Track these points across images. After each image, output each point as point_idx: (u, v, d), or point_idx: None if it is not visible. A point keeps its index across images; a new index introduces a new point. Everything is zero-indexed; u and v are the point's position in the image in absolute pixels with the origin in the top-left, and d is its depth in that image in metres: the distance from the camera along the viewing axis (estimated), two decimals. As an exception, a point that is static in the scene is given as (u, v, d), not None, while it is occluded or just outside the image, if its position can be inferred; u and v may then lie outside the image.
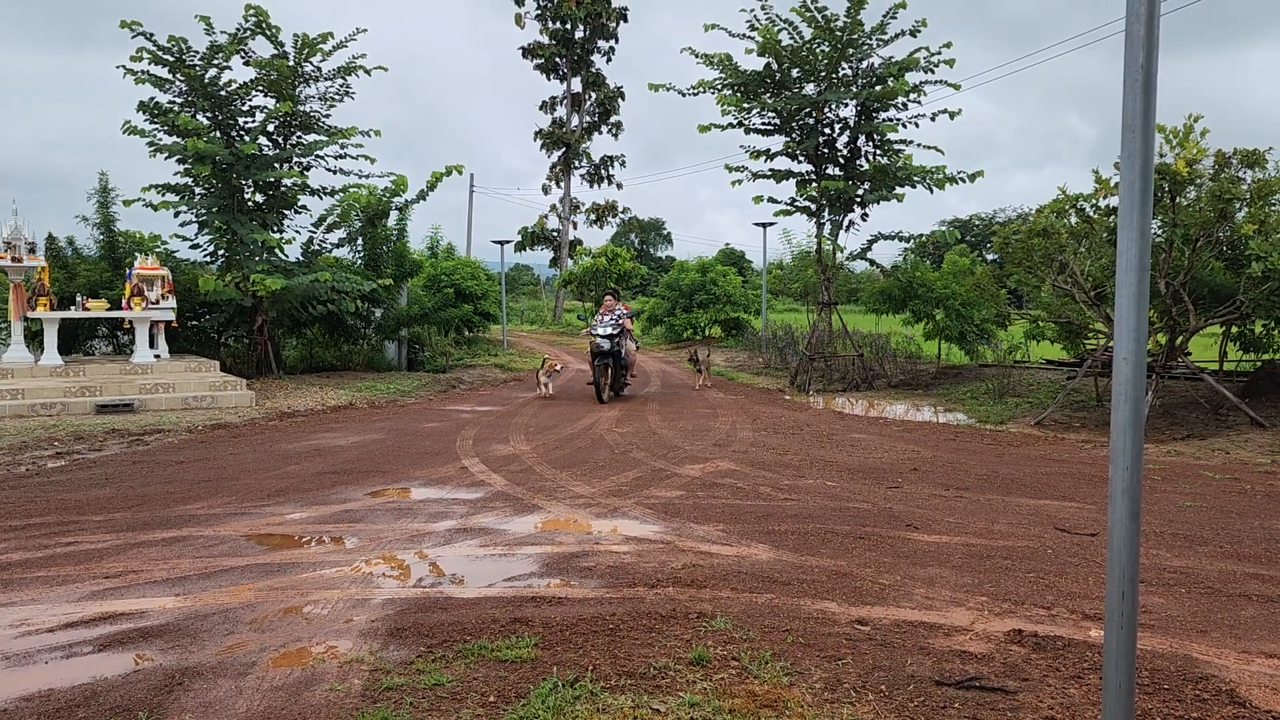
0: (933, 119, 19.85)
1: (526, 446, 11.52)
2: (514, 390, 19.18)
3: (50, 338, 15.60)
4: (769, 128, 20.45)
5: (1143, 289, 2.69)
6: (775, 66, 19.52)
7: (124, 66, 17.35)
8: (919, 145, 20.07)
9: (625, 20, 45.76)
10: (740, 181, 20.85)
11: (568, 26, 45.21)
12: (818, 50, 19.10)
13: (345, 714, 3.82)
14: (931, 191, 20.02)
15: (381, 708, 3.86)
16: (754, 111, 20.10)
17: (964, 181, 19.70)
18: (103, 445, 11.72)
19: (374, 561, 6.27)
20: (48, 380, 14.73)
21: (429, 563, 6.26)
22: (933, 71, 19.26)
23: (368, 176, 20.72)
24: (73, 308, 16.38)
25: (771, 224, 29.40)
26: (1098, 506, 8.15)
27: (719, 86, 20.08)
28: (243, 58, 18.54)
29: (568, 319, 47.22)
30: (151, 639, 4.74)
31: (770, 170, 20.72)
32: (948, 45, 19.04)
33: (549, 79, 46.71)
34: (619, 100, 46.86)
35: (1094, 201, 13.78)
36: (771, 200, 21.15)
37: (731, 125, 20.39)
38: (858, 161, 20.38)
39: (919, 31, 19.06)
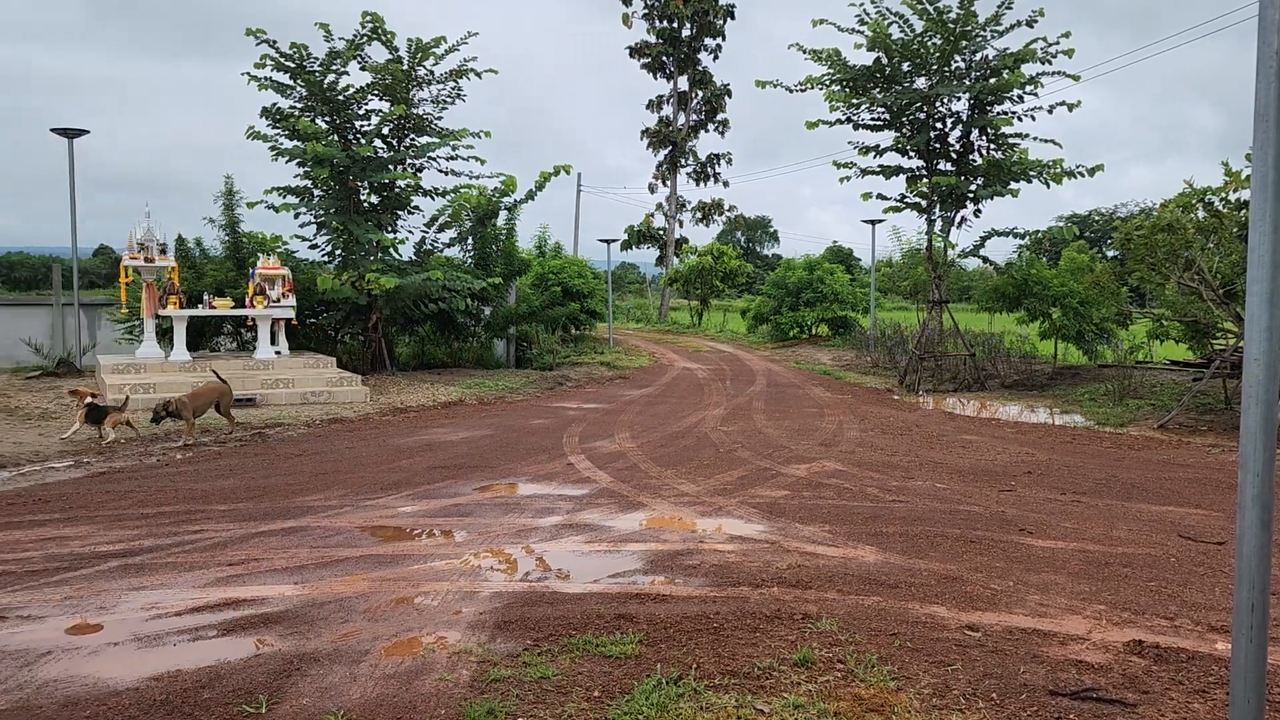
0: (1050, 111, 19.25)
1: (632, 444, 11.59)
2: (620, 388, 19.32)
3: (179, 334, 16.35)
4: (878, 123, 20.13)
5: (1276, 286, 2.59)
6: (885, 61, 19.21)
7: (248, 73, 18.06)
8: (1034, 139, 19.52)
9: (732, 18, 45.58)
10: (848, 179, 20.58)
11: (675, 25, 45.22)
12: (929, 43, 18.73)
13: (454, 704, 3.91)
14: (1048, 186, 19.46)
15: (489, 699, 3.94)
16: (863, 107, 19.82)
17: (1082, 176, 19.12)
18: (226, 438, 12.24)
19: (482, 555, 6.40)
20: (177, 375, 15.42)
21: (535, 557, 6.36)
22: (1050, 62, 18.67)
23: (478, 177, 21.11)
24: (200, 306, 17.12)
25: (880, 221, 28.88)
26: (1225, 514, 7.80)
27: (827, 82, 19.83)
28: (359, 63, 19.10)
29: (674, 317, 47.30)
30: (271, 625, 4.93)
31: (879, 166, 20.38)
32: (1066, 35, 18.44)
33: (655, 78, 46.80)
34: (725, 98, 46.67)
35: (1223, 195, 13.19)
36: (880, 197, 20.82)
37: (840, 121, 20.15)
38: (970, 156, 19.90)
39: (1035, 22, 18.53)
